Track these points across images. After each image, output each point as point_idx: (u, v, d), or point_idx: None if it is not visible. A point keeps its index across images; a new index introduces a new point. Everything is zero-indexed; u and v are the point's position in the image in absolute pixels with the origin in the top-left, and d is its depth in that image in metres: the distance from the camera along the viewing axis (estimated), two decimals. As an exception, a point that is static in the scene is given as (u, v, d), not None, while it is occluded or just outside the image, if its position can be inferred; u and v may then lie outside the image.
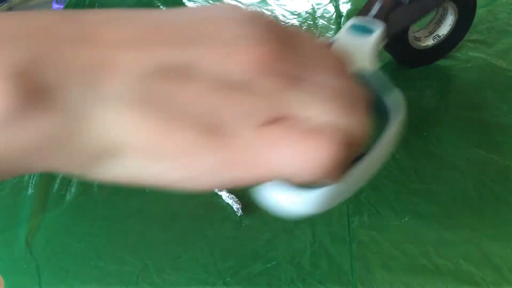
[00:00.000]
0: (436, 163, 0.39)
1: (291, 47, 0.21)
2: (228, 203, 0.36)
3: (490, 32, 0.57)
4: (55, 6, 1.71)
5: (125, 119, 0.19)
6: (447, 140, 0.40)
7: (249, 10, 0.21)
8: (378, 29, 0.32)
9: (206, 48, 0.20)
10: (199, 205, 0.37)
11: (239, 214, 0.36)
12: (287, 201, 0.23)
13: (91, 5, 0.63)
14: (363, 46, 0.31)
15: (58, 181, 0.39)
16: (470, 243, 0.34)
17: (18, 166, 0.19)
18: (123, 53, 0.19)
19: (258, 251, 0.34)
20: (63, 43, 0.19)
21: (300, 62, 0.21)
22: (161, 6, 0.62)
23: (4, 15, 0.19)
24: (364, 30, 0.32)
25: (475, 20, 0.58)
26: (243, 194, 0.37)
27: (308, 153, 0.19)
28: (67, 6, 0.63)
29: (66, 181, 0.39)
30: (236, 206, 0.36)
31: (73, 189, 0.38)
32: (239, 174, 0.20)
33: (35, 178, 0.39)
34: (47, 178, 0.39)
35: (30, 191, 0.38)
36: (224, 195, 0.37)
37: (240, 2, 0.62)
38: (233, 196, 0.36)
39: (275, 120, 0.20)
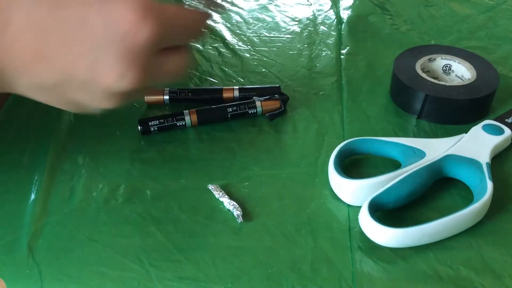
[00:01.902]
0: (436, 169, 0.39)
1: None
2: (228, 210, 0.37)
3: (490, 38, 0.57)
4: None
5: None
6: (447, 146, 0.40)
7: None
8: (507, 134, 0.40)
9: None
10: (200, 212, 0.37)
11: (239, 221, 0.36)
12: (370, 230, 0.34)
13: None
14: (488, 142, 0.40)
15: (60, 186, 0.39)
16: (471, 250, 0.34)
17: None
18: None
19: (259, 257, 0.34)
20: None
21: None
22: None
23: None
24: (495, 130, 0.41)
25: (475, 26, 0.59)
26: (244, 201, 0.38)
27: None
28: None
29: (68, 186, 0.39)
30: (236, 212, 0.36)
31: (75, 195, 0.38)
32: None
33: (37, 184, 0.39)
34: (49, 184, 0.39)
35: (32, 196, 0.38)
36: (225, 201, 0.37)
37: (241, 8, 0.62)
38: (234, 203, 0.37)
39: None
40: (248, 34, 0.58)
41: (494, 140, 0.40)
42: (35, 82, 0.29)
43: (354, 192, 0.36)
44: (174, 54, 0.31)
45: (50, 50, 0.27)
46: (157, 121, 0.43)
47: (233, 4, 0.63)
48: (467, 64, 0.47)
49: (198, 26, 0.32)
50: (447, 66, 0.48)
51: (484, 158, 0.38)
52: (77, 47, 0.27)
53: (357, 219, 0.35)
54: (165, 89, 0.47)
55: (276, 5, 0.63)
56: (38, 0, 0.27)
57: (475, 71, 0.46)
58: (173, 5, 0.30)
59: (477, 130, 0.41)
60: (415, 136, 0.44)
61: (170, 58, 0.31)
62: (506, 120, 0.42)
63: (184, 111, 0.44)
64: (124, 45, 0.27)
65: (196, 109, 0.44)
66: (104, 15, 0.27)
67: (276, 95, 0.46)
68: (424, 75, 0.46)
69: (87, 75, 0.28)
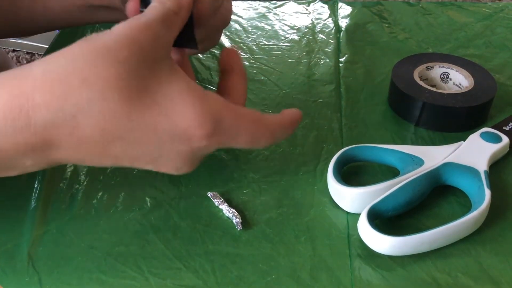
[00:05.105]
0: (434, 177, 0.39)
1: None
2: (228, 217, 0.37)
3: (488, 46, 0.58)
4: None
5: None
6: (445, 154, 0.40)
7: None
8: (505, 141, 0.41)
9: None
10: (199, 219, 0.37)
11: (238, 228, 0.36)
12: (368, 238, 0.34)
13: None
14: (486, 150, 0.40)
15: (60, 194, 0.39)
16: (469, 257, 0.34)
17: None
18: None
19: (258, 264, 0.34)
20: None
21: None
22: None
23: None
24: (493, 138, 0.41)
25: (472, 34, 0.59)
26: (243, 208, 0.38)
27: None
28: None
29: (68, 194, 0.39)
30: (235, 220, 0.36)
31: (75, 203, 0.38)
32: None
33: (37, 191, 0.39)
34: (49, 192, 0.39)
35: (32, 204, 0.38)
36: (225, 209, 0.37)
37: (240, 16, 0.63)
38: (233, 210, 0.37)
39: None
40: (247, 42, 0.58)
41: (492, 148, 0.40)
42: (99, 166, 0.31)
43: (353, 199, 0.37)
44: None
45: (115, 151, 0.29)
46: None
47: (232, 13, 0.63)
48: (465, 72, 0.47)
49: (270, 134, 0.32)
50: (445, 74, 0.48)
51: (482, 166, 0.38)
52: (142, 148, 0.29)
53: (356, 227, 0.35)
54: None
55: (275, 14, 0.63)
56: (112, 109, 0.27)
57: (472, 79, 0.46)
58: (246, 112, 0.31)
59: (475, 138, 0.41)
60: (413, 143, 0.44)
61: None
62: (504, 127, 0.42)
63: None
64: (184, 150, 0.30)
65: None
66: (171, 124, 0.29)
67: None
68: (422, 83, 0.46)
69: (148, 166, 0.31)
